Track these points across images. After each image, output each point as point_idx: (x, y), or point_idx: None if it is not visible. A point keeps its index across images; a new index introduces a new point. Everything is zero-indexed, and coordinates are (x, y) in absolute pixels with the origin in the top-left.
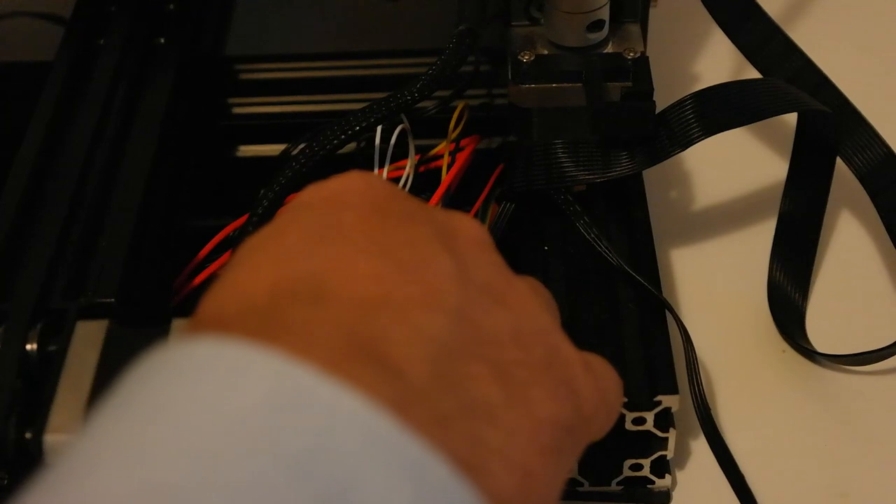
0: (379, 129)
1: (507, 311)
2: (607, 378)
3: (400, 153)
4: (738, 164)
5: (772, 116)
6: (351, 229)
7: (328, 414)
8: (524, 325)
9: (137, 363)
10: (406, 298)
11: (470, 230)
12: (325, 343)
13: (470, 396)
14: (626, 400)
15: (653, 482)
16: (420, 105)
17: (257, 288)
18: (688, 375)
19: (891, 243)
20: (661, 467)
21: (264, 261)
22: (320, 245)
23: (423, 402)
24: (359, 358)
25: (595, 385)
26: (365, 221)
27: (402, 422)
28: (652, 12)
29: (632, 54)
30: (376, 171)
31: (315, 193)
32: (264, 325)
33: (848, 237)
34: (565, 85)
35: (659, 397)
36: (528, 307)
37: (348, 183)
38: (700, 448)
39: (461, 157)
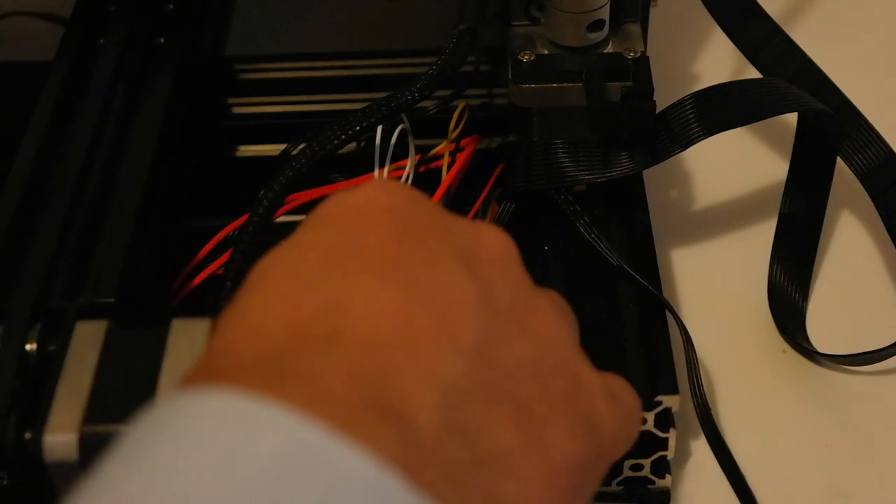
0: (379, 128)
1: (528, 341)
2: (627, 401)
3: (400, 153)
4: (738, 164)
5: (772, 116)
6: (370, 253)
7: (338, 476)
8: (546, 354)
9: (147, 412)
10: (423, 334)
11: (495, 244)
12: (337, 394)
13: (485, 445)
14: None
15: (653, 482)
16: (420, 105)
17: (271, 326)
18: (688, 375)
19: (891, 244)
20: (662, 467)
21: (280, 291)
22: (338, 272)
23: (436, 457)
24: (370, 411)
25: (616, 413)
26: (385, 243)
27: (412, 483)
28: (652, 12)
29: (632, 54)
30: (377, 170)
31: (336, 207)
32: (276, 373)
33: (848, 237)
34: (565, 85)
35: (659, 397)
36: (551, 332)
37: (371, 195)
38: (700, 448)
39: (461, 158)
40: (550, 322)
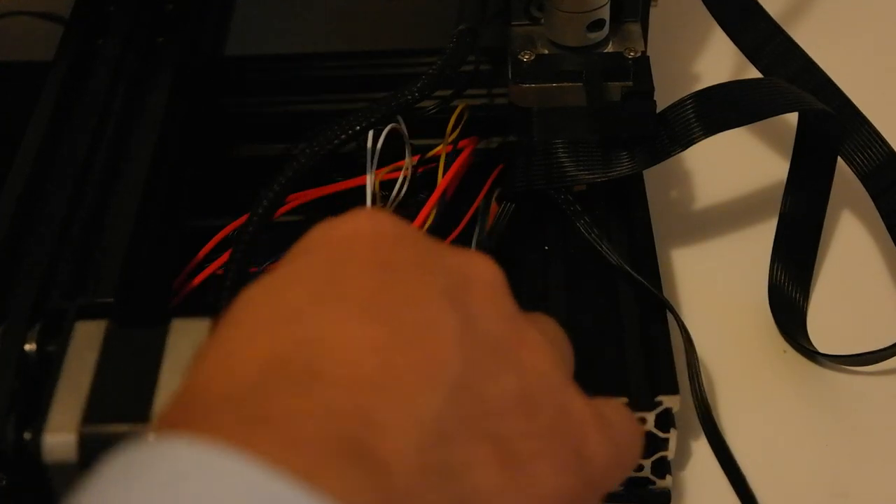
0: (385, 129)
1: (514, 373)
2: (623, 429)
3: (401, 154)
4: (738, 164)
5: (772, 116)
6: (353, 288)
7: None
8: (533, 386)
9: (111, 459)
10: (403, 370)
11: (482, 275)
12: (310, 438)
13: (465, 485)
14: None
15: (653, 483)
16: (420, 105)
17: (248, 362)
18: (688, 376)
19: (891, 243)
20: (662, 468)
21: (260, 325)
22: (319, 307)
23: (411, 501)
24: (344, 455)
25: (609, 444)
26: (368, 278)
27: None
28: (652, 12)
29: (632, 54)
30: (374, 171)
31: (323, 237)
32: (249, 413)
33: (849, 237)
34: (565, 84)
35: (659, 398)
36: (538, 364)
37: (357, 225)
38: (700, 448)
39: (458, 160)
40: (538, 353)
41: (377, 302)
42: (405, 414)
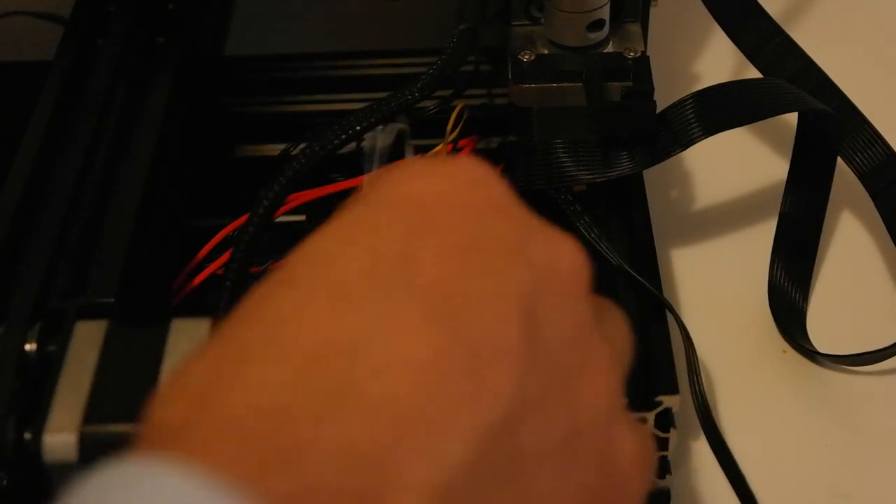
0: (380, 128)
1: (565, 409)
2: (652, 457)
3: (401, 154)
4: (738, 164)
5: (772, 116)
6: (425, 268)
7: None
8: (582, 424)
9: (92, 476)
10: (442, 399)
11: (569, 267)
12: (317, 486)
13: None
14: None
15: (653, 482)
16: (420, 105)
17: (268, 375)
18: (688, 375)
19: (891, 243)
20: (662, 467)
21: (299, 314)
22: (377, 290)
23: None
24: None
25: (644, 486)
26: (448, 256)
27: None
28: (652, 12)
29: (632, 54)
30: (374, 171)
31: (398, 191)
32: (254, 446)
33: (849, 237)
34: (565, 84)
35: (659, 397)
36: (597, 391)
37: (450, 181)
38: (700, 448)
39: None
40: (599, 378)
41: (447, 296)
42: (427, 459)
